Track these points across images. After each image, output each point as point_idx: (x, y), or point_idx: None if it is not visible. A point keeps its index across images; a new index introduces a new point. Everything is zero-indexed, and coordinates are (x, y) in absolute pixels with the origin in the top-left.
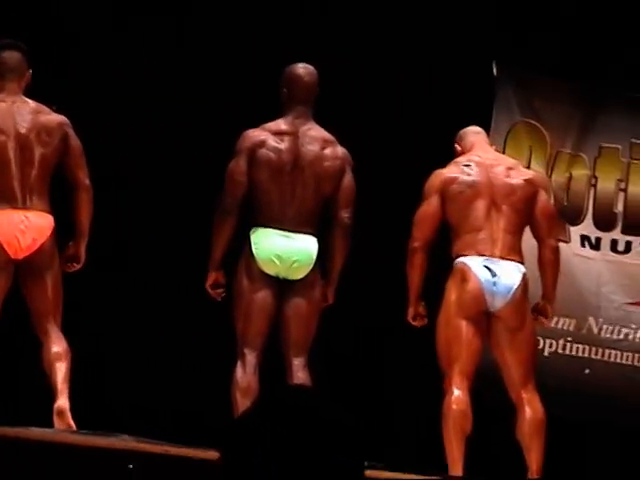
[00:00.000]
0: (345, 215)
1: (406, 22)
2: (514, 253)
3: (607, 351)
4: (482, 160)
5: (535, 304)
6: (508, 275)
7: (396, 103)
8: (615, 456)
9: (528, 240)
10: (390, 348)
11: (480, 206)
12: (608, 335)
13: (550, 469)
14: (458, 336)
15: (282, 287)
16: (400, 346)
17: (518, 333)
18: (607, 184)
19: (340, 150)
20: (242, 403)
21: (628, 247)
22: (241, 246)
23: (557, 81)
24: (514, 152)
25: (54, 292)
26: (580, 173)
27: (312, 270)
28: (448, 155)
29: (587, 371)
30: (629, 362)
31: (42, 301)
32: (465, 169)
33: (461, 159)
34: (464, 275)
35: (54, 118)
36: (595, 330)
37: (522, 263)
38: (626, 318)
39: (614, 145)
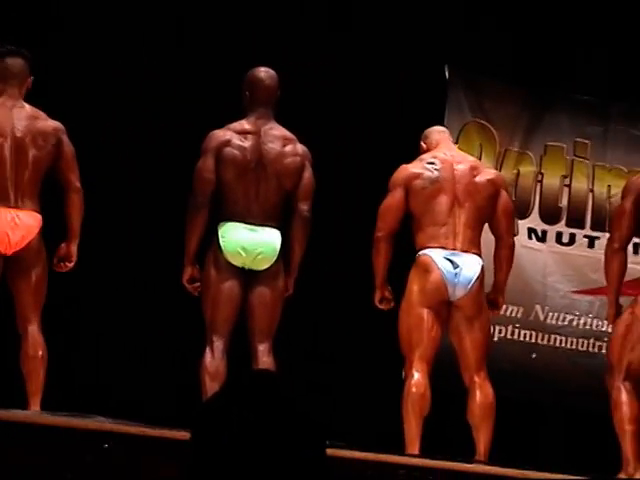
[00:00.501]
0: (304, 208)
1: (363, 26)
2: (474, 246)
3: (553, 336)
4: (446, 157)
5: (486, 294)
6: (469, 267)
7: (354, 105)
8: (561, 436)
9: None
10: (352, 334)
11: (443, 201)
12: (554, 322)
13: (500, 449)
14: (419, 324)
15: (248, 277)
16: (362, 332)
17: (475, 321)
18: (552, 180)
19: (300, 147)
20: (211, 387)
21: (572, 239)
22: (209, 240)
23: (506, 84)
24: (466, 150)
25: (38, 287)
26: (527, 170)
27: (276, 261)
28: (405, 153)
29: (534, 355)
30: (573, 347)
31: (26, 296)
32: (429, 166)
33: (426, 156)
34: (427, 267)
35: (50, 124)
36: (541, 317)
37: (480, 256)
38: (570, 306)
39: (559, 144)
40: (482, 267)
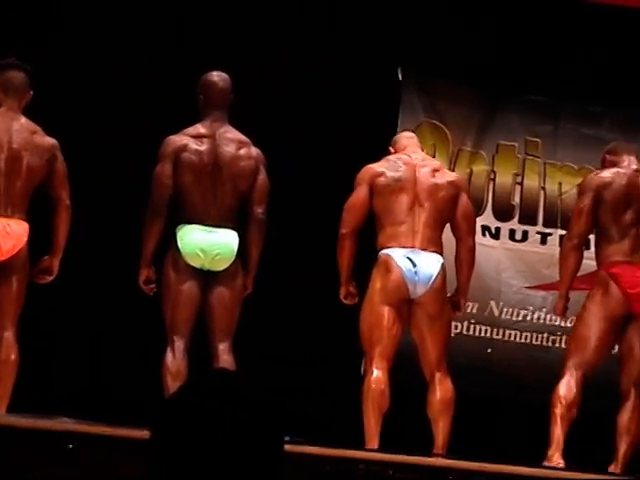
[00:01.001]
0: (259, 211)
1: (317, 29)
2: (433, 245)
3: (507, 331)
4: (410, 160)
5: (449, 297)
6: (428, 265)
7: (308, 107)
8: (517, 429)
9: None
10: (312, 331)
11: (404, 201)
12: (508, 317)
13: (457, 442)
14: (380, 322)
15: (206, 278)
16: (321, 329)
17: (436, 319)
18: (505, 178)
19: (254, 150)
20: (172, 386)
21: (525, 236)
22: (168, 242)
23: (458, 85)
24: None
25: (18, 295)
26: (480, 169)
27: (234, 262)
28: (359, 153)
29: (489, 350)
30: (528, 341)
31: (6, 303)
32: (393, 165)
33: (391, 157)
34: (388, 266)
35: (47, 140)
36: (496, 312)
37: (441, 254)
38: (524, 301)
39: (511, 143)
40: (442, 265)
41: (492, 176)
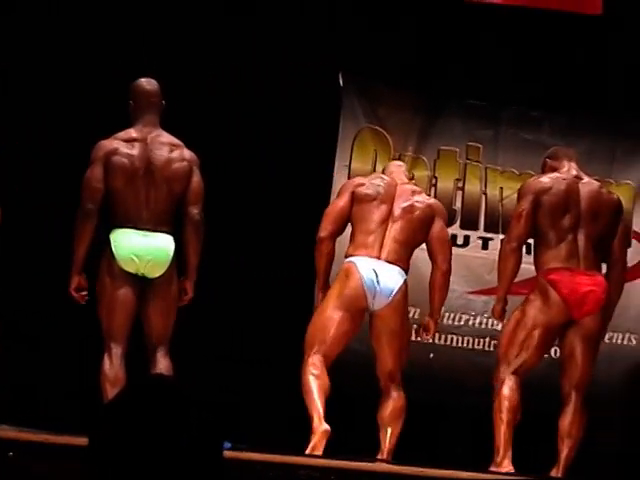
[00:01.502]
0: (195, 212)
1: (258, 34)
2: (399, 260)
3: (450, 336)
4: (392, 179)
5: (423, 320)
6: (390, 278)
7: (251, 112)
8: (460, 434)
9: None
10: (253, 336)
11: (378, 212)
12: (450, 322)
13: (401, 448)
14: (329, 324)
15: (142, 284)
16: (262, 334)
17: (395, 332)
18: (446, 184)
19: (187, 153)
20: (111, 393)
21: (467, 241)
22: (101, 248)
23: (399, 90)
24: (361, 156)
25: None
26: (421, 174)
27: (169, 268)
28: (300, 159)
29: (431, 355)
30: (470, 346)
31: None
32: (374, 181)
33: (374, 174)
34: (349, 273)
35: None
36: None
37: (405, 271)
38: (466, 306)
39: (452, 148)
40: (405, 280)
41: (433, 181)
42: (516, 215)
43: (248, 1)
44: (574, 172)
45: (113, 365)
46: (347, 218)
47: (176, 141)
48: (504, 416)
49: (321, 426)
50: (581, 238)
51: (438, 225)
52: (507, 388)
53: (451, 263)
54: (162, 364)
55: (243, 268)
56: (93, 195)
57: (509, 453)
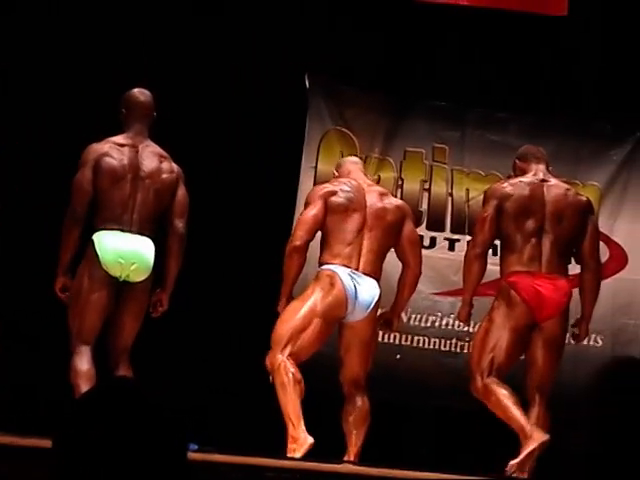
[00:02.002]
0: (180, 225)
1: (225, 37)
2: (374, 271)
3: (416, 337)
4: (359, 183)
5: (382, 313)
6: (368, 292)
7: (216, 115)
8: (427, 435)
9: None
10: (222, 340)
11: (354, 222)
12: (417, 323)
13: (367, 449)
14: (305, 327)
15: (119, 289)
16: (232, 338)
17: (366, 343)
18: (412, 185)
19: (174, 166)
20: (85, 389)
21: (433, 242)
22: (83, 249)
23: (365, 92)
24: (327, 157)
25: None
26: (387, 176)
27: (150, 273)
28: (266, 161)
29: (398, 356)
30: (436, 347)
31: None
32: (344, 187)
33: (341, 179)
34: (332, 281)
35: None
36: (405, 319)
37: (379, 281)
38: (433, 307)
39: (418, 149)
40: (380, 293)
41: (400, 183)
42: (480, 220)
43: (215, 2)
44: (541, 175)
45: (85, 363)
46: (321, 224)
47: (164, 153)
48: (508, 401)
49: (307, 439)
50: (545, 242)
51: (409, 227)
52: (494, 384)
53: (421, 265)
54: (125, 368)
55: (207, 269)
56: (83, 198)
57: (536, 427)
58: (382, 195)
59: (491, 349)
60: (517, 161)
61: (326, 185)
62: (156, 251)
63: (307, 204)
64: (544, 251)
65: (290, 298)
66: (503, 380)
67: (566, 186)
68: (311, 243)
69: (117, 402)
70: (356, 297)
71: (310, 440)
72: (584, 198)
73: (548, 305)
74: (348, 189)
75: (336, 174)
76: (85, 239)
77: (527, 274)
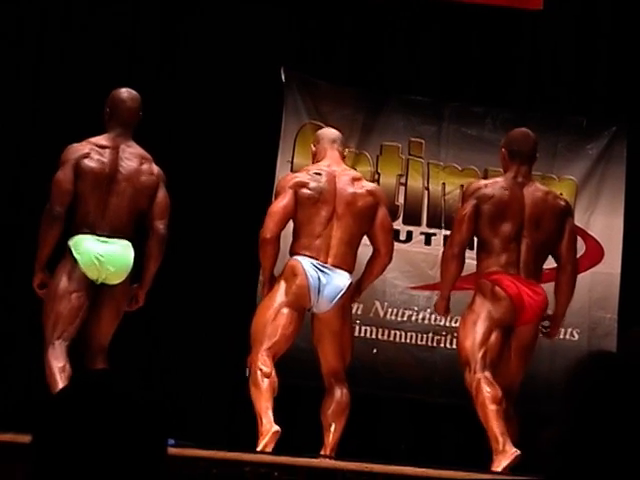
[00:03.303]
0: (161, 226)
1: (202, 32)
2: (345, 263)
3: (393, 332)
4: (331, 171)
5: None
6: (335, 285)
7: (193, 109)
8: (403, 429)
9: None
10: (200, 338)
11: (322, 213)
12: (393, 317)
13: (344, 443)
14: (277, 320)
15: (97, 291)
16: (210, 335)
17: (338, 334)
18: (389, 179)
19: (155, 168)
20: (62, 382)
21: (409, 236)
22: (62, 249)
23: (341, 86)
24: (303, 152)
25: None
26: (364, 170)
27: (128, 276)
28: (243, 155)
29: (375, 351)
30: (413, 341)
31: None
32: (315, 176)
33: (312, 167)
34: (295, 270)
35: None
36: (381, 313)
37: (351, 272)
38: (409, 301)
39: (394, 143)
40: (350, 283)
41: (376, 177)
42: (458, 219)
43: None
44: (520, 178)
45: (61, 359)
46: (291, 215)
47: (146, 154)
48: (490, 407)
49: (272, 427)
50: (523, 247)
51: (382, 213)
52: (485, 381)
53: (392, 254)
54: (102, 367)
55: (185, 265)
56: (63, 197)
57: (508, 439)
58: (354, 180)
59: (482, 342)
60: (504, 153)
61: (297, 175)
62: (135, 251)
63: (277, 193)
64: (522, 257)
65: (272, 281)
66: (494, 376)
67: (545, 189)
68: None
69: (95, 396)
70: (320, 288)
71: (275, 428)
72: (563, 202)
73: (528, 310)
74: (319, 179)
75: (313, 148)
76: (64, 240)
77: (508, 275)
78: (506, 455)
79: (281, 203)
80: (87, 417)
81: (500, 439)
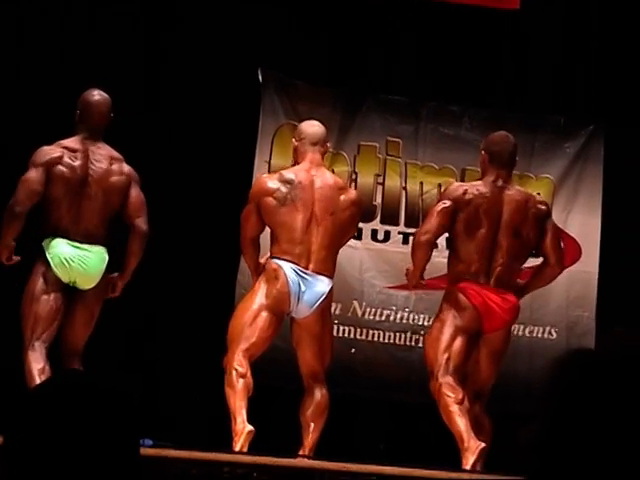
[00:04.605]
0: (141, 223)
1: (172, 32)
2: (326, 268)
3: (371, 331)
4: (308, 175)
5: None
6: (315, 291)
7: (170, 110)
8: (381, 428)
9: None
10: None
11: (299, 219)
12: (371, 317)
13: (322, 443)
14: (255, 322)
15: (71, 293)
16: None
17: (317, 337)
18: (366, 179)
19: (126, 167)
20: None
21: (387, 236)
22: (35, 253)
23: (318, 86)
24: (281, 152)
25: None
26: (341, 170)
27: (101, 280)
28: (221, 156)
29: (353, 350)
30: (391, 341)
31: None
32: (285, 183)
33: (288, 171)
34: (277, 274)
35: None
36: (359, 313)
37: (331, 277)
38: (387, 301)
39: (372, 143)
40: (331, 289)
41: (354, 177)
42: (434, 211)
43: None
44: (500, 182)
45: (40, 360)
46: (257, 221)
47: (117, 155)
48: (455, 408)
49: (245, 427)
50: (498, 254)
51: (356, 220)
52: (446, 386)
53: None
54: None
55: (163, 265)
56: (28, 198)
57: (472, 435)
58: (333, 188)
59: (446, 349)
60: (484, 156)
61: (264, 182)
62: (110, 254)
63: (249, 199)
64: (495, 264)
65: (259, 271)
66: (459, 381)
67: (526, 194)
68: None
69: (68, 395)
70: (300, 294)
71: (248, 428)
72: (544, 207)
73: (496, 318)
74: (290, 186)
75: (295, 142)
76: (38, 242)
77: (476, 284)
78: (471, 450)
79: (248, 211)
80: (60, 415)
81: (464, 436)
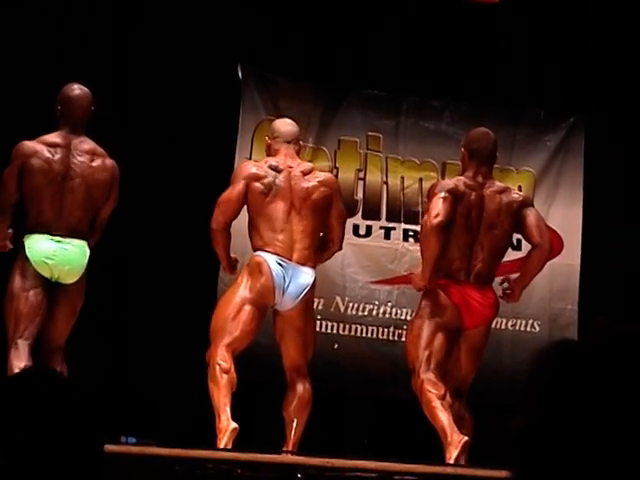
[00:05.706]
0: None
1: (160, 31)
2: (310, 259)
3: (354, 326)
4: (285, 166)
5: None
6: (299, 283)
7: (151, 106)
8: (365, 423)
9: None
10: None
11: (280, 208)
12: (354, 312)
13: (306, 438)
14: (238, 316)
15: (53, 289)
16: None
17: (300, 330)
18: (347, 174)
19: (109, 162)
20: None
21: (369, 231)
22: (15, 249)
23: (298, 82)
24: (261, 148)
25: None
26: (322, 165)
27: (83, 274)
28: (201, 152)
29: (336, 346)
30: (374, 336)
31: None
32: (270, 171)
33: (270, 159)
34: (260, 268)
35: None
36: (342, 308)
37: (314, 267)
38: (370, 296)
39: (352, 138)
40: (314, 280)
41: (335, 172)
42: (434, 200)
43: None
44: (480, 178)
45: (23, 359)
46: (241, 207)
47: (99, 150)
48: (437, 404)
49: (230, 425)
50: (478, 251)
51: (337, 204)
52: (428, 382)
53: (343, 241)
54: (59, 365)
55: (144, 263)
56: (8, 196)
57: (455, 429)
58: (307, 173)
59: (427, 345)
60: (464, 153)
61: (254, 165)
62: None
63: (231, 182)
64: (475, 261)
65: (231, 266)
66: (441, 377)
67: (502, 188)
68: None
69: (34, 392)
70: (284, 287)
71: (233, 425)
72: (517, 196)
73: (476, 314)
74: (274, 174)
75: (268, 141)
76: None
77: (456, 281)
78: (454, 444)
79: (230, 193)
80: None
81: (447, 430)
